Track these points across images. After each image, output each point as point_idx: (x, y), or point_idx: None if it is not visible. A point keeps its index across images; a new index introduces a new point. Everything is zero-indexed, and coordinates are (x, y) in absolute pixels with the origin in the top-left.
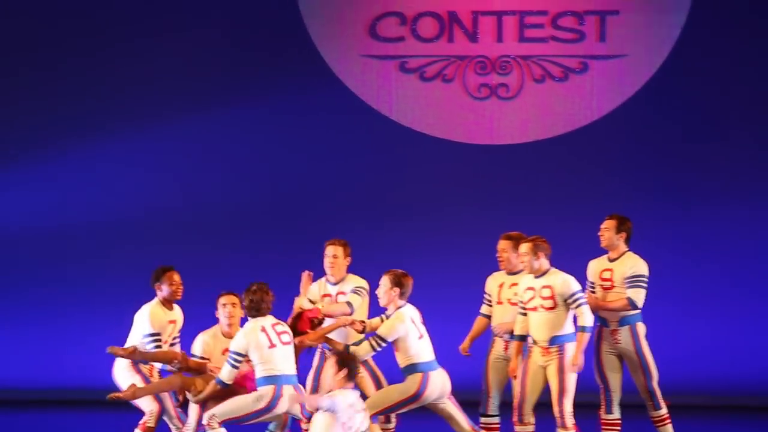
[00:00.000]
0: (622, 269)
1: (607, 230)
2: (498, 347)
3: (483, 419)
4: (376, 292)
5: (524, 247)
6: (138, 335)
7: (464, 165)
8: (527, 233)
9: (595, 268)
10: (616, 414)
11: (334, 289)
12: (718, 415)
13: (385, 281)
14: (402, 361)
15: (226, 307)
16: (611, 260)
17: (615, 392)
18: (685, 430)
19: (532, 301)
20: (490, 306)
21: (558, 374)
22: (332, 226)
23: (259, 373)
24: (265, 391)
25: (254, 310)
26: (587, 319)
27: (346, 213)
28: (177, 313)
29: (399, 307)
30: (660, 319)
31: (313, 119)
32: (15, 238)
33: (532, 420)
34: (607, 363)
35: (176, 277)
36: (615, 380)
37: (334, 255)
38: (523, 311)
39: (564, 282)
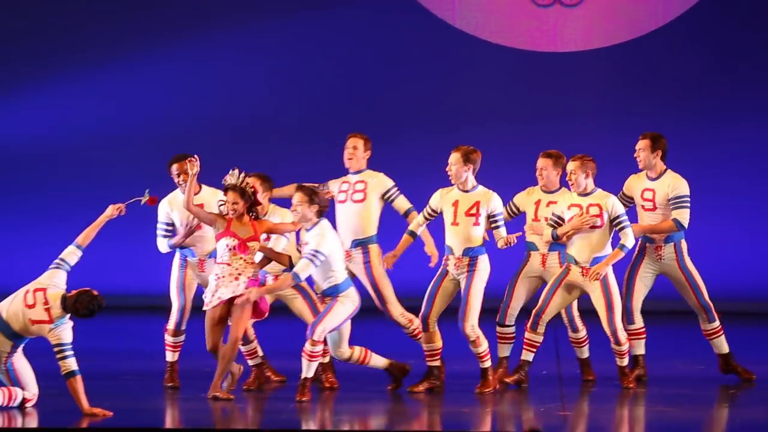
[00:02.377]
0: (664, 190)
1: (642, 151)
2: (534, 262)
3: (499, 329)
4: (446, 170)
5: (573, 165)
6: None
7: (526, 72)
8: (586, 143)
9: (634, 185)
10: (638, 323)
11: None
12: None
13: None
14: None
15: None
16: (651, 179)
17: (636, 302)
18: (739, 340)
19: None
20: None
21: (604, 295)
22: (392, 131)
23: (331, 280)
24: (352, 292)
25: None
26: (629, 240)
27: (408, 119)
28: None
29: (475, 186)
30: (706, 233)
31: (375, 27)
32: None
33: (543, 330)
34: (641, 275)
35: (175, 168)
36: (640, 292)
37: (354, 147)
38: (555, 224)
39: (614, 204)
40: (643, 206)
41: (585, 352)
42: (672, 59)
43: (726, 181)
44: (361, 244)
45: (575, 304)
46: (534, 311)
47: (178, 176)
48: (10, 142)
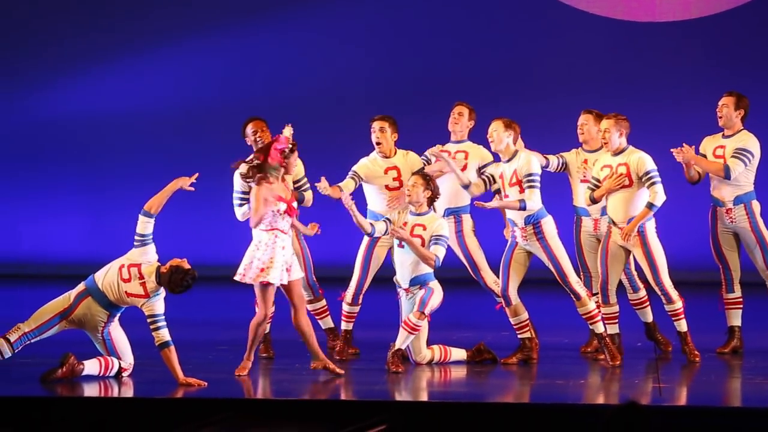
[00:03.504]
0: (734, 145)
1: (726, 107)
2: (588, 227)
3: (605, 309)
4: (488, 138)
5: (606, 123)
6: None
7: (621, 42)
8: (681, 115)
9: (708, 144)
10: (738, 292)
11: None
12: None
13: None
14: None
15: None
16: (725, 137)
17: (734, 271)
18: None
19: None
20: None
21: (645, 254)
22: (486, 99)
23: (424, 268)
24: (438, 283)
25: (433, 198)
26: (658, 198)
27: (498, 88)
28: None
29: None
30: None
31: None
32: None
33: (615, 300)
34: (724, 242)
35: (250, 127)
36: (733, 259)
37: (459, 113)
38: (594, 187)
39: (639, 159)
40: None
41: (648, 315)
42: None
43: None
44: (454, 212)
45: (632, 263)
46: (599, 285)
47: (254, 134)
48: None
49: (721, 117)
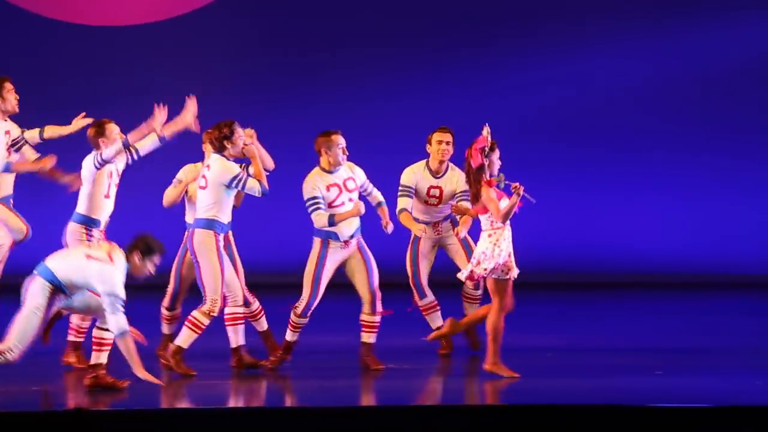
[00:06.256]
0: (451, 187)
1: (451, 144)
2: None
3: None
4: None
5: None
6: None
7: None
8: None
9: (421, 182)
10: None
11: None
12: None
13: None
14: None
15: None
16: (437, 176)
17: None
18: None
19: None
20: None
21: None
22: None
23: None
24: None
25: None
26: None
27: None
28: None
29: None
30: None
31: None
32: None
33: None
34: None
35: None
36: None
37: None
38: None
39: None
40: (427, 202)
41: (263, 324)
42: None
43: None
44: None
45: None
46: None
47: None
48: None
49: (447, 152)
